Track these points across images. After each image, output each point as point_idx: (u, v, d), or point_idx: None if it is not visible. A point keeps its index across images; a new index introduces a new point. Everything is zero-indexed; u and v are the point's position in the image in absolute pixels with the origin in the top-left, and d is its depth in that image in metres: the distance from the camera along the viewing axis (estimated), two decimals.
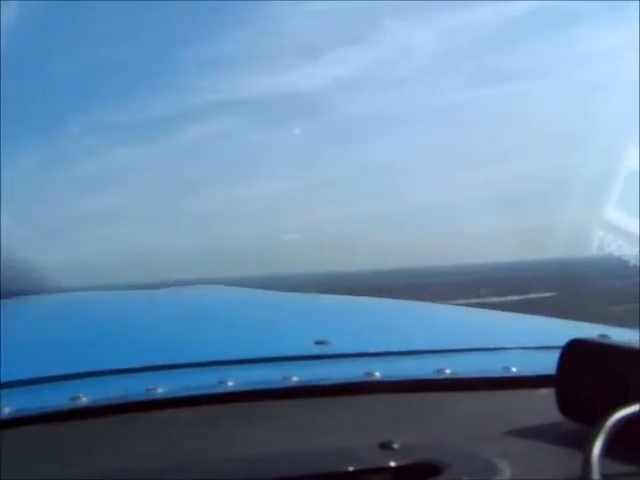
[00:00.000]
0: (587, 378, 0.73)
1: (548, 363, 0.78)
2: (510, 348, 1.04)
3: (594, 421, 0.60)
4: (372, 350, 1.00)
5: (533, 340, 1.07)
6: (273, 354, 0.97)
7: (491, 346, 1.05)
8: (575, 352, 0.75)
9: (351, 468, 0.62)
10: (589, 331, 1.08)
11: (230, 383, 0.84)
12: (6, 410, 0.77)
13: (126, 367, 0.92)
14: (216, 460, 0.66)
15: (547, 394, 0.76)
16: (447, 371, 0.90)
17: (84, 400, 0.79)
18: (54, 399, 0.81)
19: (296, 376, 0.86)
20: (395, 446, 0.65)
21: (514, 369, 0.91)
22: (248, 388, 0.83)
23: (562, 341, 0.77)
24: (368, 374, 0.88)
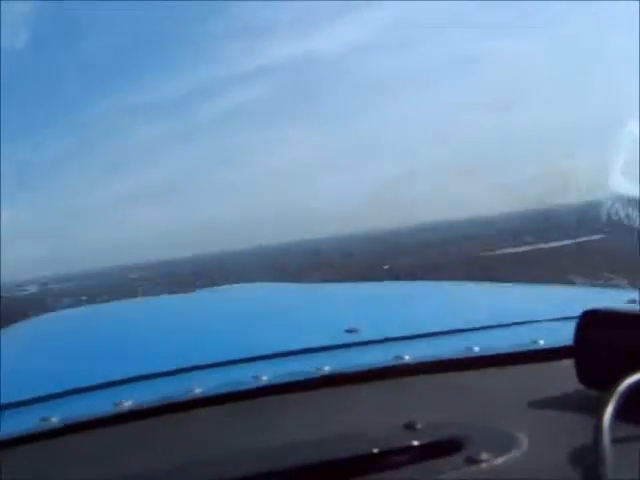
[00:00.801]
0: (603, 347, 0.74)
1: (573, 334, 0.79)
2: (536, 321, 1.05)
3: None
4: (401, 334, 1.02)
5: (559, 311, 1.07)
6: (305, 346, 0.99)
7: (517, 320, 1.06)
8: (590, 322, 0.76)
9: (376, 450, 0.64)
10: (616, 297, 1.09)
11: (264, 377, 0.86)
12: (54, 419, 0.81)
13: (165, 370, 0.95)
14: (252, 451, 0.69)
15: (569, 365, 0.77)
16: (476, 349, 0.91)
17: (127, 405, 0.82)
18: (99, 406, 0.84)
19: (328, 366, 0.88)
20: (418, 426, 0.68)
21: (541, 342, 0.92)
22: (282, 381, 0.86)
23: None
24: (397, 358, 0.90)
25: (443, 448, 0.64)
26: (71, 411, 0.84)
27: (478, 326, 1.05)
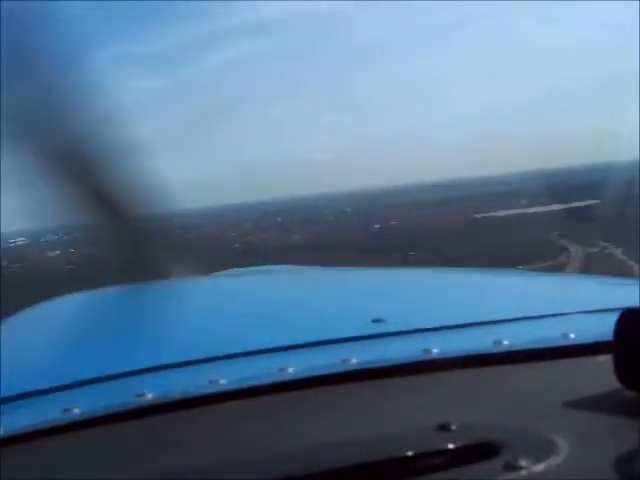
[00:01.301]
0: None
1: (608, 327, 0.74)
2: (568, 313, 1.01)
3: None
4: (428, 325, 0.99)
5: (589, 303, 1.04)
6: (331, 336, 0.96)
7: (549, 312, 1.02)
8: (631, 320, 0.71)
9: (410, 453, 0.62)
10: None
11: (290, 370, 0.84)
12: (76, 411, 0.78)
13: (187, 360, 0.92)
14: (278, 451, 0.66)
15: (606, 361, 0.73)
16: (505, 342, 0.88)
17: (149, 397, 0.80)
18: (120, 397, 0.81)
19: (355, 358, 0.85)
20: (453, 427, 0.65)
21: (572, 336, 0.88)
22: (308, 375, 0.83)
23: (623, 302, 0.75)
24: (426, 351, 0.87)
25: (479, 452, 0.61)
26: (92, 402, 0.82)
27: (507, 318, 1.01)
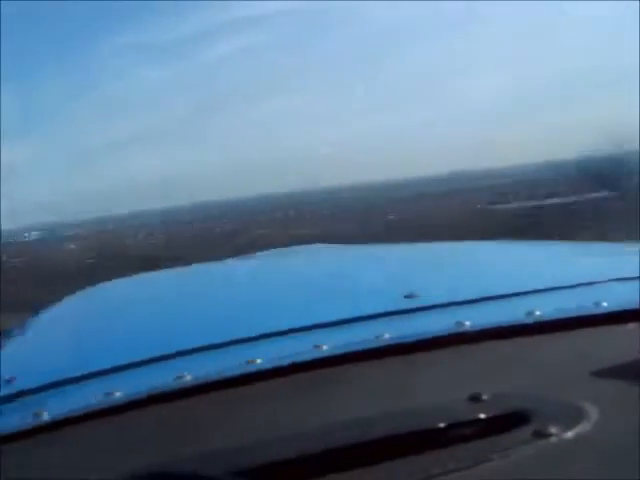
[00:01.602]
0: None
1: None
2: (600, 282, 1.01)
3: None
4: (460, 298, 0.99)
5: (623, 270, 1.04)
6: (364, 312, 0.97)
7: (581, 281, 1.02)
8: None
9: (443, 424, 0.63)
10: None
11: (325, 347, 0.85)
12: (117, 394, 0.79)
13: (223, 341, 0.93)
14: (316, 426, 0.68)
15: (635, 329, 0.76)
16: (537, 313, 0.88)
17: (188, 378, 0.81)
18: (160, 379, 0.82)
19: (388, 333, 0.87)
20: (484, 397, 0.66)
21: (605, 304, 0.88)
22: (344, 351, 0.84)
23: None
24: (458, 324, 0.88)
25: (510, 421, 0.63)
26: (135, 385, 0.83)
27: (538, 288, 1.01)
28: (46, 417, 0.76)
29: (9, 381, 0.89)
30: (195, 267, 1.93)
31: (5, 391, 0.86)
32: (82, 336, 1.20)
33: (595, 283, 1.01)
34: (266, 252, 2.10)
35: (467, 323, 0.87)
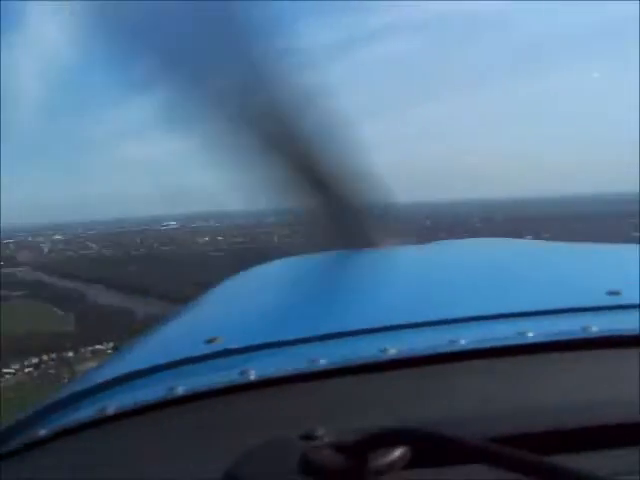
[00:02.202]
0: None
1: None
2: None
3: None
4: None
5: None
6: (567, 305, 0.97)
7: None
8: None
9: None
10: None
11: (530, 334, 0.85)
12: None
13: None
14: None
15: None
16: None
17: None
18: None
19: (595, 326, 0.85)
20: None
21: None
22: (548, 339, 0.84)
23: None
24: None
25: None
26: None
27: None
28: (252, 376, 0.81)
29: (210, 341, 0.95)
30: (358, 254, 1.94)
31: (209, 350, 0.92)
32: (271, 307, 1.26)
33: None
34: (436, 243, 2.08)
35: None
